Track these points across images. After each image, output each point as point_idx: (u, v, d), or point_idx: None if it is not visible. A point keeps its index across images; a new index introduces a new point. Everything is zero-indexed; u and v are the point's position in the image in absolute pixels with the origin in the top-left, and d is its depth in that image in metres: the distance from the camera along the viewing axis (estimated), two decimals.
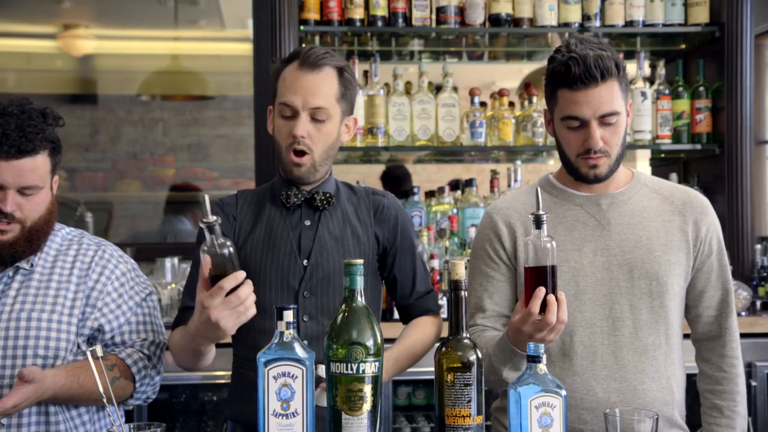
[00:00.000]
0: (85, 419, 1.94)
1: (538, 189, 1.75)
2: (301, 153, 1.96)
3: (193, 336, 1.77)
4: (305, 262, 1.98)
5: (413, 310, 2.12)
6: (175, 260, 3.32)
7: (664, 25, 3.50)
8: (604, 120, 1.89)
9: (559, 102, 1.92)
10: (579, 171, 1.95)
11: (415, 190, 3.62)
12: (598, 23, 3.47)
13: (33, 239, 1.91)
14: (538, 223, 1.71)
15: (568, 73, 1.87)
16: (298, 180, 1.99)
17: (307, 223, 2.02)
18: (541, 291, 1.68)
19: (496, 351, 1.83)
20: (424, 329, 2.07)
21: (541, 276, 1.69)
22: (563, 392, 1.53)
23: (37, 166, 1.88)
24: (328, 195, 2.01)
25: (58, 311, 1.91)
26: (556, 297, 1.69)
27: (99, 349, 1.65)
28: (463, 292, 1.57)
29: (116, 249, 2.07)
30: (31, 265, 1.94)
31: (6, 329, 1.87)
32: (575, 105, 1.89)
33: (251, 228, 2.03)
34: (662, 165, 4.00)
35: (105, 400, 1.62)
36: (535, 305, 1.68)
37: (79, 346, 1.93)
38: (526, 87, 3.61)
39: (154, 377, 2.01)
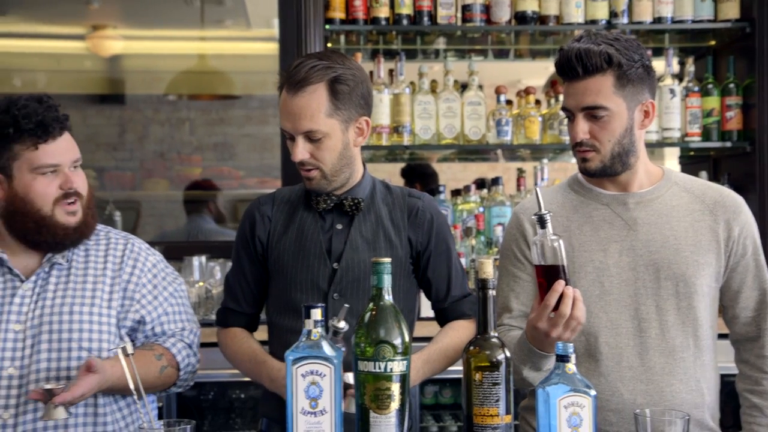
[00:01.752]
0: (125, 413, 1.98)
1: (538, 189, 1.76)
2: (308, 170, 1.97)
3: (277, 385, 1.88)
4: (335, 264, 1.99)
5: (448, 313, 2.10)
6: (203, 258, 3.34)
7: (694, 21, 3.46)
8: (589, 113, 1.89)
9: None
10: (578, 165, 1.97)
11: (441, 188, 3.61)
12: (625, 20, 3.44)
13: (93, 213, 2.00)
14: (542, 222, 1.71)
15: (556, 66, 1.93)
16: (317, 191, 2.00)
17: (339, 226, 2.03)
18: (560, 285, 1.68)
19: (516, 350, 1.82)
20: (457, 332, 2.05)
21: (552, 274, 1.69)
22: (593, 392, 1.52)
23: (72, 140, 1.96)
24: (357, 200, 2.02)
25: (98, 304, 1.95)
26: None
27: (129, 347, 1.69)
28: (490, 291, 1.57)
29: (142, 242, 2.11)
30: (67, 261, 1.98)
31: (50, 323, 1.90)
32: (565, 96, 1.93)
33: (284, 230, 2.05)
34: (691, 163, 3.96)
35: (135, 397, 1.63)
36: (552, 298, 1.68)
37: (122, 338, 1.96)
38: (553, 85, 3.59)
39: (195, 365, 2.07)
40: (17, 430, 1.84)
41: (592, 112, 1.89)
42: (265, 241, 2.06)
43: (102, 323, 1.93)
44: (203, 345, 2.12)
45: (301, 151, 1.94)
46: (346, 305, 1.83)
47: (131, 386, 1.67)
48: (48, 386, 1.67)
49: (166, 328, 2.04)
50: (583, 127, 1.90)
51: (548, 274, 1.69)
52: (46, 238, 1.93)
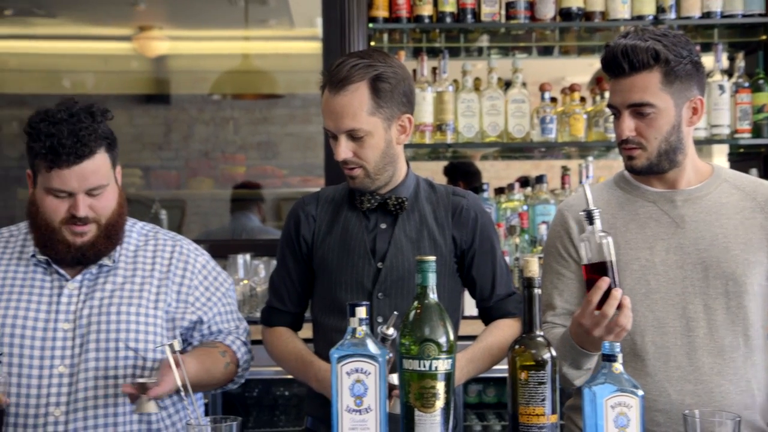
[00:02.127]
0: (171, 411, 2.00)
1: (587, 185, 1.74)
2: (351, 169, 1.97)
3: (324, 386, 1.89)
4: (380, 264, 1.99)
5: (493, 312, 2.09)
6: (247, 257, 3.37)
7: (744, 16, 3.39)
8: (636, 110, 1.86)
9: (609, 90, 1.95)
10: (624, 162, 1.94)
11: (485, 186, 3.60)
12: (673, 15, 3.39)
13: (111, 234, 1.95)
14: (590, 219, 1.69)
15: (602, 63, 1.91)
16: (360, 190, 2.00)
17: (383, 226, 2.02)
18: (604, 282, 1.66)
19: (558, 345, 1.81)
20: (502, 332, 2.04)
21: (599, 272, 1.67)
22: (640, 392, 1.50)
23: (97, 166, 1.89)
24: (401, 200, 2.01)
25: (144, 305, 1.96)
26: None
27: (176, 343, 1.71)
28: (536, 290, 1.55)
29: (190, 242, 2.12)
30: (114, 261, 1.99)
31: (98, 323, 1.92)
32: (611, 93, 1.91)
33: (328, 229, 2.05)
34: (741, 160, 3.88)
35: (183, 393, 1.65)
36: (596, 296, 1.67)
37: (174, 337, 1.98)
38: (598, 81, 3.55)
39: (249, 361, 2.09)
40: (68, 427, 1.87)
41: (639, 110, 1.86)
42: (309, 240, 2.07)
43: (148, 323, 1.95)
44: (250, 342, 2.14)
45: (344, 150, 1.94)
46: (396, 312, 1.82)
47: (179, 383, 1.69)
48: (141, 380, 1.69)
49: (222, 327, 2.06)
50: (629, 125, 1.88)
51: (596, 272, 1.67)
52: (50, 252, 1.94)
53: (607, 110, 3.39)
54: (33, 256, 1.97)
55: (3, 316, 1.90)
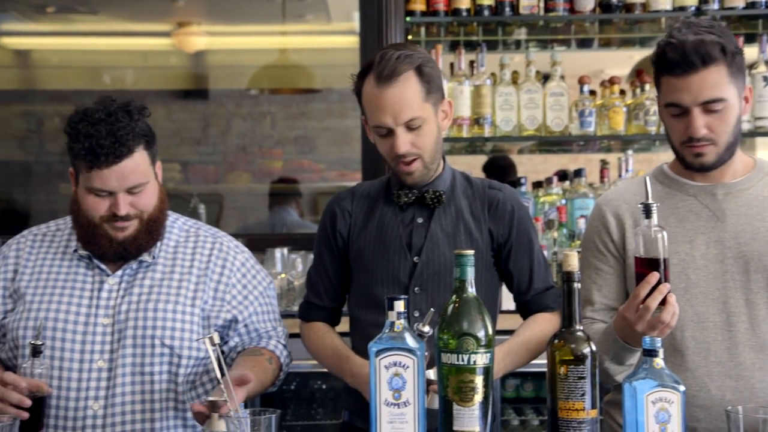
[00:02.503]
0: None
1: (647, 178, 1.72)
2: (409, 162, 1.96)
3: (359, 381, 1.90)
4: (416, 258, 1.99)
5: (531, 306, 2.07)
6: (285, 251, 3.39)
7: None
8: (707, 107, 1.82)
9: (662, 89, 1.88)
10: (685, 159, 1.90)
11: (522, 180, 3.58)
12: (716, 5, 3.33)
13: (152, 229, 1.97)
14: (647, 212, 1.67)
15: (666, 60, 1.83)
16: (415, 185, 2.00)
17: (420, 220, 2.02)
18: (653, 277, 1.64)
19: (601, 340, 1.80)
20: (540, 326, 2.02)
21: (650, 267, 1.66)
22: (681, 387, 1.49)
23: (137, 164, 1.90)
24: (438, 193, 2.01)
25: (182, 302, 1.97)
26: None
27: (216, 336, 1.72)
28: (575, 284, 1.55)
29: (231, 239, 2.12)
30: (153, 258, 2.01)
31: (135, 319, 1.93)
32: (676, 92, 1.83)
33: (364, 224, 2.06)
34: None
35: (222, 386, 1.67)
36: (643, 290, 1.65)
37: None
38: (638, 74, 3.51)
39: (289, 365, 2.10)
40: (106, 421, 1.89)
41: (710, 106, 1.82)
42: (345, 236, 2.07)
43: (185, 321, 1.96)
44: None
45: (404, 142, 1.93)
46: (433, 309, 1.82)
47: (218, 374, 1.70)
48: (211, 398, 1.68)
49: (258, 327, 2.06)
50: (702, 123, 1.83)
51: (647, 266, 1.66)
52: (93, 248, 1.96)
53: (648, 103, 3.36)
54: (75, 251, 2.00)
55: (46, 310, 1.93)
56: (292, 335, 2.15)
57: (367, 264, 2.03)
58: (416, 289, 1.99)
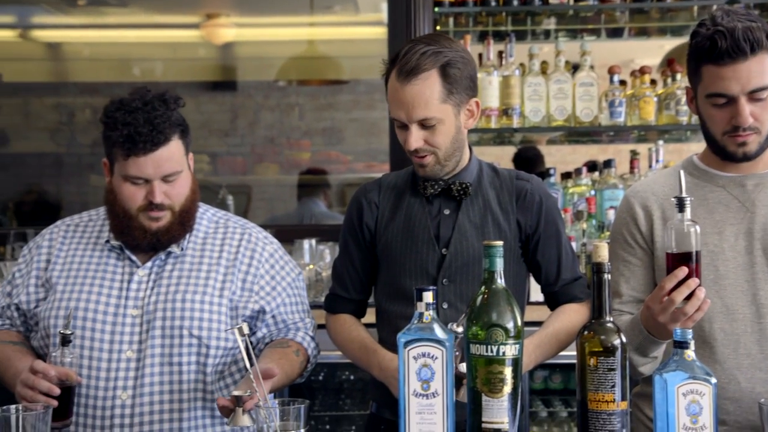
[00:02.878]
0: None
1: (681, 171, 1.69)
2: (422, 157, 1.95)
3: (386, 375, 1.90)
4: (444, 250, 1.98)
5: (559, 297, 2.05)
6: (313, 242, 3.40)
7: None
8: (753, 95, 1.79)
9: (703, 78, 1.84)
10: (726, 150, 1.87)
11: (551, 171, 3.55)
12: None
13: (185, 221, 1.98)
14: (681, 206, 1.65)
15: (714, 48, 1.78)
16: (428, 177, 1.99)
17: (447, 212, 2.01)
18: (681, 271, 1.63)
19: (627, 329, 1.78)
20: (568, 316, 2.01)
21: (682, 262, 1.64)
22: (713, 380, 1.48)
23: (172, 153, 1.93)
24: (465, 185, 1.99)
25: (209, 293, 1.98)
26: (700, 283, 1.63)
27: (245, 327, 1.72)
28: (606, 275, 1.54)
29: (260, 230, 2.12)
30: (182, 249, 2.02)
31: (163, 310, 1.95)
32: (722, 81, 1.80)
33: (391, 216, 2.05)
34: None
35: (252, 377, 1.68)
36: (670, 282, 1.64)
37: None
38: (669, 63, 3.47)
39: (317, 356, 2.10)
40: (134, 411, 1.91)
41: (756, 94, 1.80)
42: (372, 227, 2.06)
43: (212, 311, 1.97)
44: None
45: (416, 139, 1.92)
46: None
47: (248, 365, 1.71)
48: (236, 393, 1.67)
49: (286, 318, 2.06)
50: (749, 111, 1.80)
51: (679, 261, 1.64)
52: (126, 238, 1.98)
53: (679, 92, 3.32)
54: (107, 241, 2.02)
55: (77, 300, 1.95)
56: (320, 326, 2.15)
57: (395, 256, 2.02)
58: (444, 280, 1.98)
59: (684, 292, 1.63)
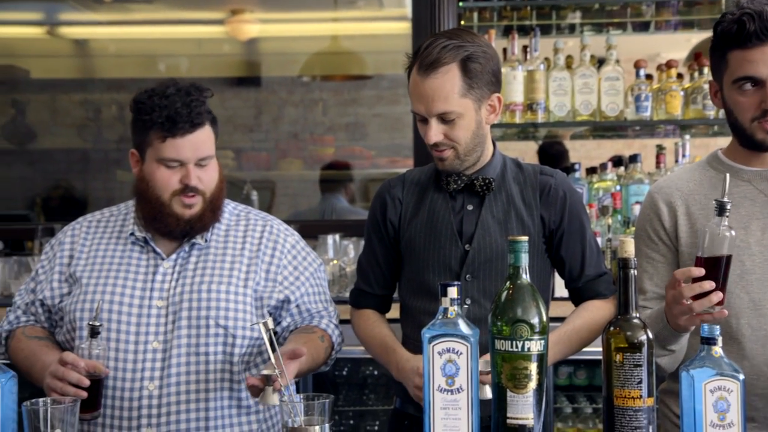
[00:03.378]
0: None
1: (727, 175, 1.68)
2: (441, 151, 1.95)
3: (403, 376, 1.91)
4: (467, 246, 1.98)
5: (583, 293, 2.04)
6: (337, 237, 3.40)
7: None
8: None
9: (730, 64, 1.83)
10: (754, 138, 1.84)
11: (576, 166, 3.53)
12: None
13: (215, 208, 2.02)
14: (720, 210, 1.63)
15: (741, 31, 1.78)
16: (449, 171, 1.99)
17: (470, 207, 2.00)
18: (709, 284, 1.62)
19: (649, 322, 1.77)
20: (591, 313, 2.00)
21: (711, 266, 1.62)
22: (741, 376, 1.47)
23: (207, 136, 1.97)
24: (488, 180, 1.99)
25: (234, 283, 2.00)
26: (725, 288, 1.62)
27: (270, 321, 1.74)
28: (632, 271, 1.52)
29: (281, 222, 2.15)
30: (206, 241, 2.04)
31: (189, 300, 1.97)
32: (749, 64, 1.79)
33: (415, 212, 2.04)
34: None
35: (262, 374, 1.69)
36: (690, 290, 1.63)
37: (263, 316, 2.02)
38: (696, 57, 3.43)
39: (341, 344, 2.12)
40: (162, 401, 1.92)
41: None
42: (396, 223, 2.07)
43: (238, 302, 1.99)
44: (339, 322, 2.16)
45: (435, 133, 1.92)
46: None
47: (272, 359, 1.72)
48: (265, 372, 1.70)
49: (310, 307, 2.08)
50: None
51: (709, 265, 1.63)
52: (159, 225, 1.99)
53: (706, 87, 3.29)
54: (132, 234, 2.04)
55: (102, 293, 1.97)
56: (343, 321, 2.16)
57: (419, 252, 2.02)
58: (468, 276, 1.97)
59: (704, 304, 1.63)
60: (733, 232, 1.63)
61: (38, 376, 1.88)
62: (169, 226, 1.98)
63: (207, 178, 1.98)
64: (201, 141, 1.96)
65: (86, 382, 1.74)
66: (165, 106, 1.92)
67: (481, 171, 2.01)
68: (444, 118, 1.92)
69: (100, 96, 5.05)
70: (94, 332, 1.82)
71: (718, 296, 1.63)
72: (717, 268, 1.62)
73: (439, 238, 2.00)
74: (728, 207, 1.63)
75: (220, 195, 2.03)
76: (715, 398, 1.45)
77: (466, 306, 1.95)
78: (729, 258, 1.63)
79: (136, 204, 2.04)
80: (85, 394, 1.73)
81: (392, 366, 1.96)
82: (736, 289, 1.83)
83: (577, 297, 2.07)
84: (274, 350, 1.72)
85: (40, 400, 1.55)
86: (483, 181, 1.99)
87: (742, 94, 1.82)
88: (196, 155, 1.95)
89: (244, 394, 1.99)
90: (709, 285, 1.62)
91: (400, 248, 2.07)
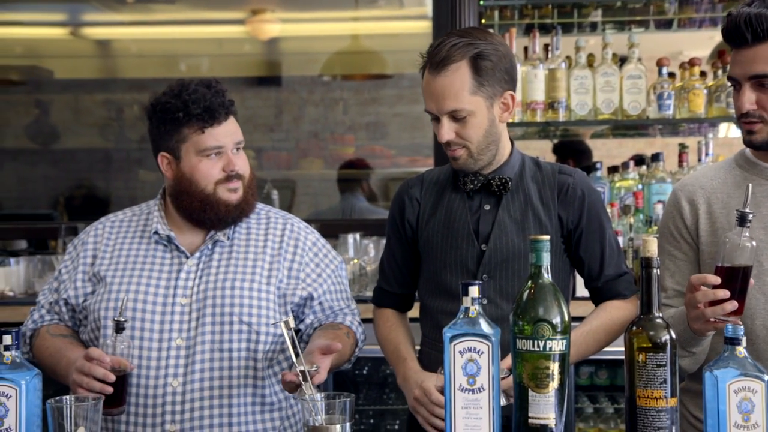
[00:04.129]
0: (288, 395, 2.04)
1: (750, 185, 1.67)
2: (454, 150, 1.95)
3: (406, 388, 1.94)
4: (483, 246, 1.97)
5: (603, 293, 2.03)
6: (357, 236, 3.41)
7: None
8: (758, 82, 1.78)
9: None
10: (743, 136, 1.86)
11: (598, 165, 3.52)
12: None
13: (252, 193, 2.08)
14: (741, 220, 1.62)
15: (727, 32, 1.82)
16: (464, 171, 1.98)
17: (487, 207, 2.00)
18: (722, 292, 1.62)
19: (672, 323, 1.75)
20: (609, 314, 1.99)
21: (730, 276, 1.62)
22: (766, 377, 1.45)
23: (236, 124, 2.05)
24: (504, 180, 1.98)
25: (257, 280, 2.02)
26: (743, 299, 1.62)
27: (291, 320, 1.75)
28: (654, 270, 1.51)
29: (300, 221, 2.17)
30: (228, 238, 2.06)
31: (213, 297, 1.98)
32: (731, 65, 1.83)
33: (432, 212, 2.04)
34: None
35: (299, 369, 1.69)
36: (704, 296, 1.63)
37: (286, 313, 2.04)
38: (720, 55, 3.40)
39: (364, 342, 2.14)
40: (185, 398, 1.94)
41: (761, 81, 1.78)
42: (414, 223, 2.07)
43: (261, 298, 2.00)
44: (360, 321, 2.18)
45: (447, 131, 1.92)
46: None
47: (293, 358, 1.73)
48: (301, 368, 1.71)
49: (333, 305, 2.10)
50: (749, 97, 1.80)
51: (727, 275, 1.63)
52: (209, 215, 2.02)
53: (729, 84, 3.26)
54: (155, 233, 2.05)
55: (126, 291, 1.99)
56: (364, 320, 2.17)
57: (436, 251, 2.01)
58: (484, 276, 1.96)
59: (708, 296, 1.62)
60: (754, 243, 1.62)
61: (63, 373, 1.90)
62: (220, 214, 2.02)
63: (242, 164, 2.05)
64: (235, 127, 2.04)
65: (112, 378, 1.76)
66: (197, 100, 1.97)
67: (499, 170, 2.00)
68: (455, 116, 1.91)
69: (122, 96, 5.09)
70: (119, 328, 1.84)
71: (732, 305, 1.62)
72: (735, 278, 1.62)
73: (456, 237, 1.99)
74: (749, 218, 1.63)
75: (253, 180, 2.09)
76: (740, 399, 1.44)
77: (482, 305, 1.94)
78: (748, 269, 1.63)
79: (178, 202, 2.05)
80: (110, 390, 1.75)
81: (399, 374, 1.99)
82: (752, 290, 1.81)
83: (597, 296, 2.06)
84: (295, 349, 1.72)
85: (65, 397, 1.56)
86: (500, 180, 1.98)
87: (733, 93, 1.86)
88: (233, 140, 2.02)
89: (267, 390, 2.00)
90: (723, 293, 1.61)
91: (418, 248, 2.07)
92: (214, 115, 1.98)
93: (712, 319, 1.65)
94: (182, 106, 1.98)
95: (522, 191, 2.00)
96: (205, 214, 2.02)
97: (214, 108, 1.98)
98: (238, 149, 2.04)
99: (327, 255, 2.14)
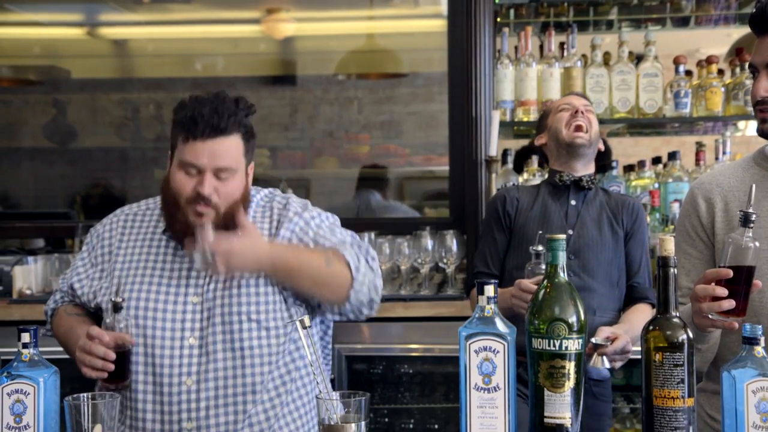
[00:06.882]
0: (298, 384, 2.04)
1: (754, 186, 1.65)
2: (581, 127, 2.49)
3: None
4: (570, 231, 2.48)
5: (634, 290, 2.49)
6: (372, 235, 3.40)
7: None
8: None
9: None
10: (757, 126, 1.85)
11: (614, 164, 3.50)
12: None
13: (228, 224, 1.94)
14: (745, 220, 1.62)
15: (750, 19, 1.82)
16: (578, 150, 2.49)
17: (573, 202, 2.53)
18: (720, 289, 1.62)
19: (685, 315, 1.75)
20: (644, 315, 2.30)
21: (733, 276, 1.61)
22: None
23: (230, 147, 1.93)
24: (592, 176, 2.53)
25: (261, 275, 2.00)
26: (746, 299, 1.62)
27: (307, 319, 1.72)
28: (672, 269, 1.51)
29: (299, 199, 2.12)
30: None
31: (222, 297, 1.98)
32: (753, 53, 1.84)
33: (529, 206, 2.53)
34: None
35: (312, 368, 1.69)
36: (704, 291, 1.63)
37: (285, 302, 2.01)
38: (738, 53, 3.38)
39: (374, 280, 2.01)
40: (200, 396, 1.95)
41: None
42: (512, 214, 2.54)
43: (267, 293, 2.00)
44: (374, 320, 2.15)
45: (764, 87, 1.94)
46: (540, 232, 2.37)
47: (308, 357, 1.73)
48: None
49: (325, 243, 2.02)
50: (765, 85, 1.79)
51: (732, 276, 1.62)
52: (174, 228, 2.00)
53: (748, 83, 3.24)
54: (164, 231, 2.06)
55: (138, 290, 2.00)
56: (384, 319, 2.15)
57: (533, 233, 2.43)
58: (571, 256, 2.43)
59: (708, 291, 1.62)
60: (757, 243, 1.61)
61: (73, 350, 1.93)
62: (178, 232, 1.99)
63: (224, 192, 1.93)
64: (222, 150, 1.91)
65: (112, 356, 1.80)
66: (192, 108, 1.91)
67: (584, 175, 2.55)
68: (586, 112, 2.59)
69: (138, 95, 5.10)
70: (117, 308, 1.87)
71: (729, 303, 1.61)
72: (738, 278, 1.61)
73: (550, 224, 2.48)
74: (753, 218, 1.62)
75: (237, 212, 1.94)
76: (758, 399, 1.43)
77: (571, 278, 2.14)
78: (751, 269, 1.62)
79: (161, 202, 2.04)
80: (112, 367, 1.80)
81: (507, 294, 2.28)
82: (765, 288, 1.80)
83: (629, 291, 2.50)
84: (311, 348, 1.72)
85: (82, 395, 1.57)
86: (588, 176, 2.53)
87: (753, 82, 1.85)
88: (213, 164, 1.91)
89: (282, 389, 2.00)
90: (721, 291, 1.61)
91: (511, 235, 2.53)
92: (196, 127, 1.89)
93: (709, 316, 1.64)
94: (180, 107, 1.95)
95: (597, 199, 2.55)
96: (170, 226, 2.01)
97: (197, 121, 1.89)
98: (222, 177, 1.92)
99: (315, 217, 2.08)
